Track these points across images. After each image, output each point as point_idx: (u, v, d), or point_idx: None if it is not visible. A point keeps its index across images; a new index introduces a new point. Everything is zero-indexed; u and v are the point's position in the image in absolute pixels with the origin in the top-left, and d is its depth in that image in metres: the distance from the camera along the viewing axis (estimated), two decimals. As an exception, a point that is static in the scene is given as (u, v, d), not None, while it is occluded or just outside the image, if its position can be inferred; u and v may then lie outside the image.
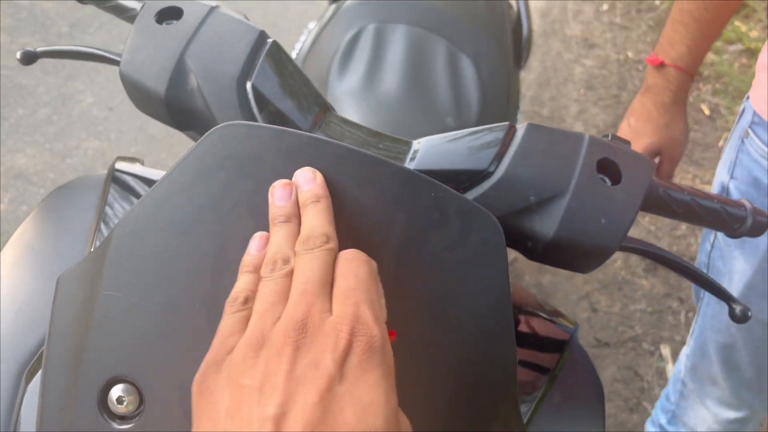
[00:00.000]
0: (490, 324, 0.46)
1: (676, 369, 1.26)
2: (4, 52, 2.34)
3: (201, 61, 0.54)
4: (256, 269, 0.40)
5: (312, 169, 0.43)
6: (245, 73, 0.54)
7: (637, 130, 1.00)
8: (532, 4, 1.97)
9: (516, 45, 1.29)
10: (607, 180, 0.53)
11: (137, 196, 0.65)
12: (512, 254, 0.49)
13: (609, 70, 2.51)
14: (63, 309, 0.45)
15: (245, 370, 0.34)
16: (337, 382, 0.32)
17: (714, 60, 2.49)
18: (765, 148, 0.87)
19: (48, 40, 2.41)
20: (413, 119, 1.01)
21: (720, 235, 0.99)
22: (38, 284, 0.59)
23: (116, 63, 0.60)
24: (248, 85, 0.54)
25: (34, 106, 2.20)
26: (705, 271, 1.05)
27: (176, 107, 0.55)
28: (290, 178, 0.44)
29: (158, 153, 2.09)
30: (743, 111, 0.93)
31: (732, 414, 1.15)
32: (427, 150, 0.55)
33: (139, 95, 0.57)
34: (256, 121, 0.54)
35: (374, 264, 0.39)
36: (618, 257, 1.94)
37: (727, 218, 0.58)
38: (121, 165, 0.67)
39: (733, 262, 0.96)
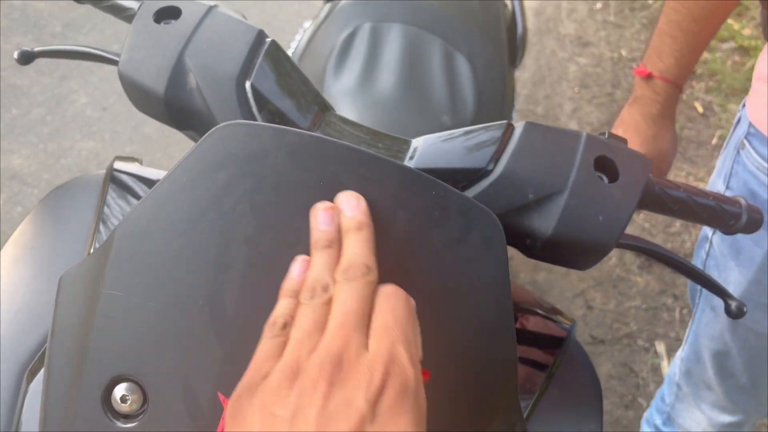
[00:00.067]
0: (491, 321, 0.46)
1: (671, 371, 1.25)
2: (-3, 52, 2.33)
3: (200, 60, 0.54)
4: (296, 294, 0.40)
5: (356, 194, 0.43)
6: (244, 72, 0.54)
7: None
8: (526, 3, 1.97)
9: (511, 43, 1.30)
10: (605, 178, 0.53)
11: (136, 195, 0.65)
12: (508, 252, 0.49)
13: (603, 69, 2.52)
14: (65, 308, 0.45)
15: (278, 400, 0.34)
16: (368, 422, 0.32)
17: (707, 58, 2.50)
18: (761, 161, 0.85)
19: (41, 40, 2.40)
20: (409, 118, 1.01)
21: (716, 244, 0.98)
22: (38, 284, 0.59)
23: (114, 63, 0.60)
24: (247, 84, 0.54)
25: (28, 106, 2.19)
26: None
27: (175, 107, 0.55)
28: (290, 178, 0.44)
29: (153, 153, 2.09)
30: (739, 120, 0.91)
31: (727, 418, 1.15)
32: (426, 148, 0.55)
33: (138, 95, 0.57)
34: (255, 120, 0.54)
35: (413, 302, 0.39)
36: (613, 254, 1.95)
37: (722, 215, 0.59)
38: (119, 164, 0.67)
39: (728, 273, 0.96)
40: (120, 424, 0.41)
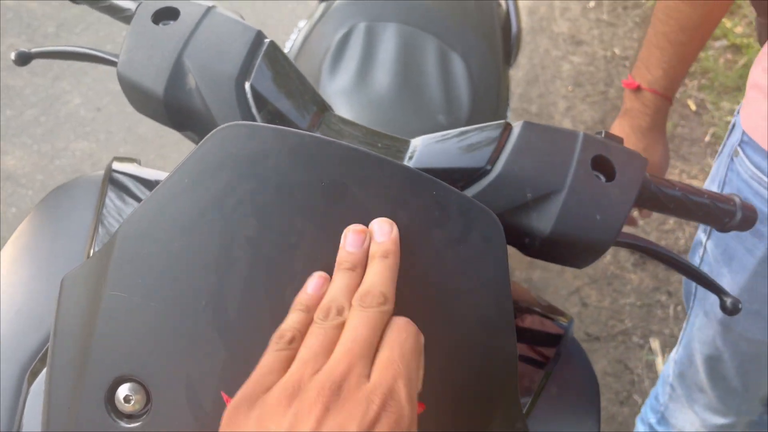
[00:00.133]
0: (492, 319, 0.46)
1: (665, 372, 1.26)
2: (-10, 53, 2.32)
3: (199, 61, 0.55)
4: (308, 309, 0.40)
5: (390, 221, 0.44)
6: (243, 73, 0.55)
7: None
8: (520, 2, 1.98)
9: (505, 43, 1.30)
10: (602, 177, 0.54)
11: (135, 196, 0.65)
12: (505, 250, 0.50)
13: (596, 67, 2.53)
14: (68, 309, 0.45)
15: (275, 417, 0.34)
16: None
17: (700, 56, 2.51)
18: (754, 170, 0.84)
19: (34, 41, 2.39)
20: (405, 117, 1.02)
21: (709, 250, 0.98)
22: (38, 284, 0.59)
23: (113, 63, 0.60)
24: (247, 85, 0.54)
25: (22, 107, 2.18)
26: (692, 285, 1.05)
27: (175, 107, 0.56)
28: (291, 179, 0.44)
29: (147, 154, 2.08)
30: (733, 126, 0.90)
31: (719, 420, 1.15)
32: (425, 148, 0.56)
33: (137, 96, 0.57)
34: (255, 120, 0.54)
35: (422, 338, 0.40)
36: (607, 252, 1.95)
37: (717, 213, 0.59)
38: (118, 165, 0.67)
39: (720, 279, 0.95)
40: (123, 424, 0.41)
